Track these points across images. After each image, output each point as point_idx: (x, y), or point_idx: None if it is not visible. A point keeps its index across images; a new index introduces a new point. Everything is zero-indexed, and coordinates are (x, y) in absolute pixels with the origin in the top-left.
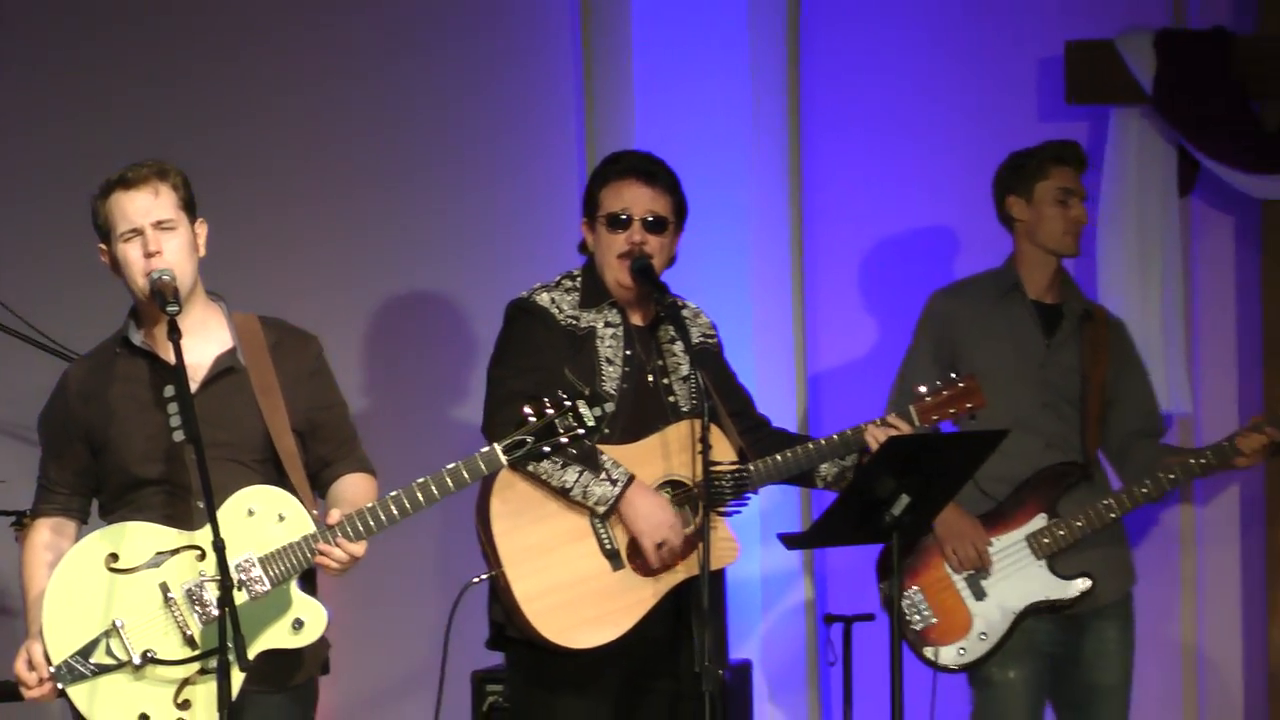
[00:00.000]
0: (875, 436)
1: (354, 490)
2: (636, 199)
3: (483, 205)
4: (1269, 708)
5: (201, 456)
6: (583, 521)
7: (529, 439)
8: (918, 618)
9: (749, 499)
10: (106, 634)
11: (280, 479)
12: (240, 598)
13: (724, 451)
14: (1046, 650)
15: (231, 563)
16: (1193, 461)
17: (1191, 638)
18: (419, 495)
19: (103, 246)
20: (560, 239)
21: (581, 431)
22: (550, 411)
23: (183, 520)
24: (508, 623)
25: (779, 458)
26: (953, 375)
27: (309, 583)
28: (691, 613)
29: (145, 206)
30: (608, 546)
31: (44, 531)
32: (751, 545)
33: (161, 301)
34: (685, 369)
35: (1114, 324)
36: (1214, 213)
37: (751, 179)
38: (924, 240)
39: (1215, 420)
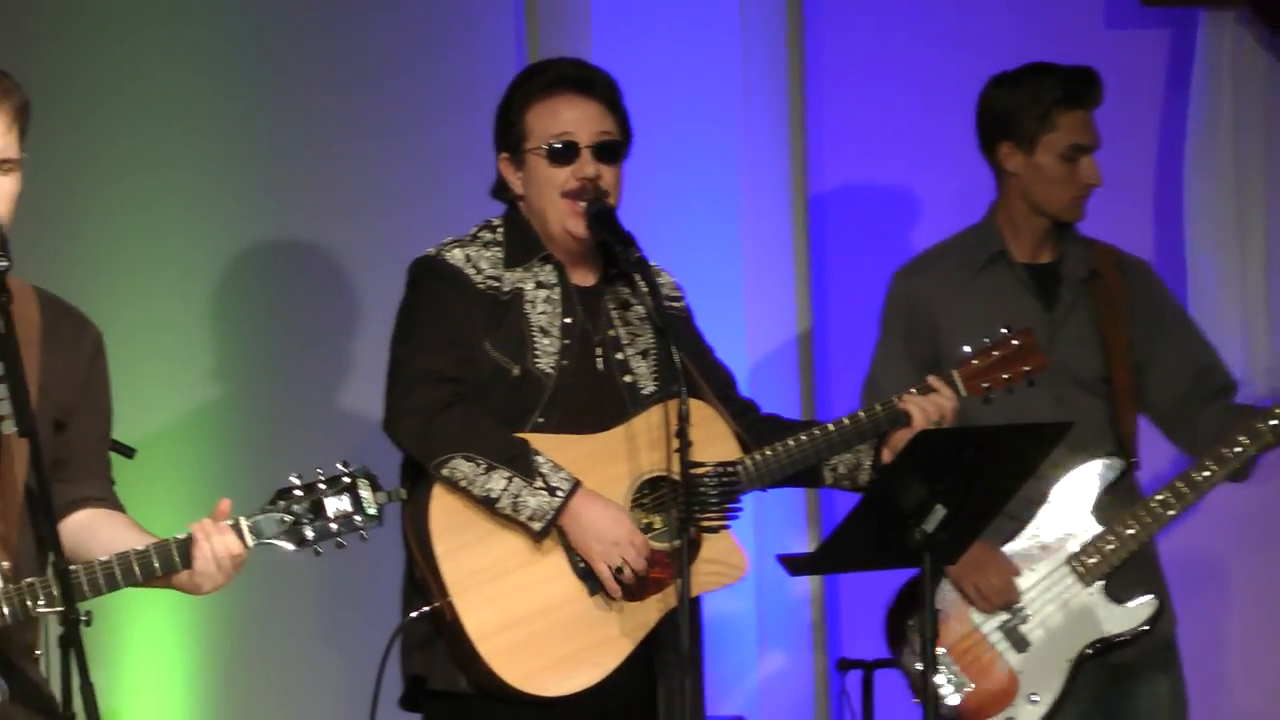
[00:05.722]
0: (922, 407)
1: (126, 534)
2: (580, 120)
3: (376, 133)
4: None
5: (39, 457)
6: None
7: (286, 517)
8: (949, 688)
9: (741, 506)
10: None
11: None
12: None
13: (722, 442)
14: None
15: None
16: (1262, 426)
17: None
18: (116, 575)
19: None
20: (477, 178)
21: (358, 519)
22: (322, 486)
23: None
24: (430, 674)
25: (780, 448)
26: (1003, 330)
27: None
28: (657, 657)
29: None
30: (581, 565)
31: None
32: None
33: None
34: (646, 341)
35: (1132, 266)
36: None
37: (741, 115)
38: (952, 185)
39: None
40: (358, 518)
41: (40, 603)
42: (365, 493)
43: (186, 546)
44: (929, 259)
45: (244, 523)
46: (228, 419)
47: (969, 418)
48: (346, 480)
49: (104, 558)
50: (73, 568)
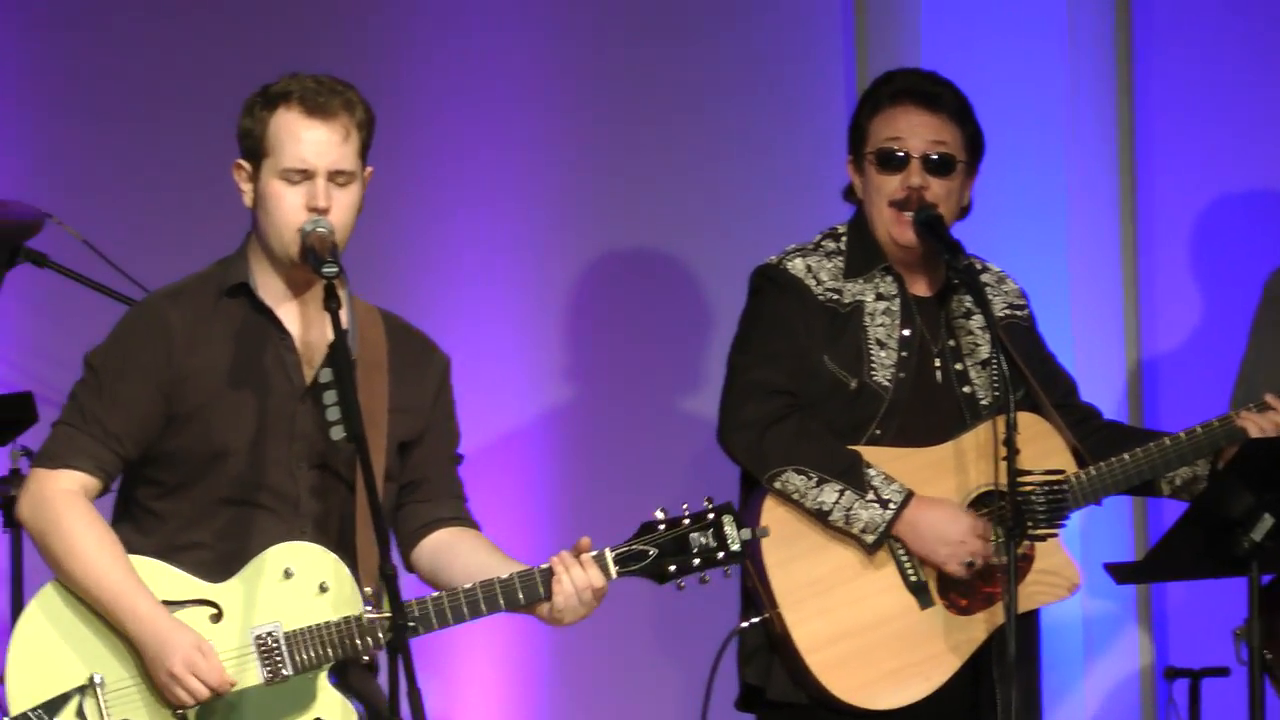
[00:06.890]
0: (1259, 425)
1: (483, 557)
2: (915, 129)
3: (719, 142)
4: None
5: (367, 461)
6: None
7: (651, 550)
8: None
9: (1068, 517)
10: (81, 690)
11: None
12: (249, 678)
13: (1057, 456)
14: None
15: (252, 630)
16: None
17: None
18: (480, 603)
19: (244, 164)
20: (819, 185)
21: (721, 555)
22: (687, 521)
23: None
24: (768, 686)
25: (1115, 464)
26: None
27: (344, 675)
28: (994, 665)
29: (326, 148)
30: (913, 579)
31: (78, 488)
32: None
33: (315, 261)
34: (986, 351)
35: None
36: None
37: (1069, 120)
38: None
39: None
40: (720, 554)
41: (371, 641)
42: (729, 529)
43: (549, 577)
44: None
45: (609, 554)
46: (573, 424)
47: None
48: (711, 516)
49: (468, 585)
50: (435, 594)
